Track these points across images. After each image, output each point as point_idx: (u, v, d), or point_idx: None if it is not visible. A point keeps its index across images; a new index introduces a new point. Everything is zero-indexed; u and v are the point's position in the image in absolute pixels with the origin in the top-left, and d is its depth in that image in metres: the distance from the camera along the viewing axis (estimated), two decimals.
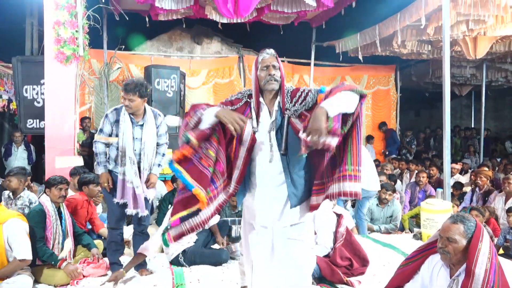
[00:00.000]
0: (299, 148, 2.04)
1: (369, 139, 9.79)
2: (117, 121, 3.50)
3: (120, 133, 3.47)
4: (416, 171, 7.29)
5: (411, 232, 5.46)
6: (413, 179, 7.26)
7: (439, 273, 2.25)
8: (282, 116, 2.24)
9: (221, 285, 3.47)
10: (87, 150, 6.76)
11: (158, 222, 5.24)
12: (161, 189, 6.73)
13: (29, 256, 3.32)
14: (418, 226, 5.40)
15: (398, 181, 7.38)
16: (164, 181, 6.88)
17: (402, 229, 5.67)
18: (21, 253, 3.28)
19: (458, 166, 7.89)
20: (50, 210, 3.66)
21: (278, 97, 2.28)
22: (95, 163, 3.62)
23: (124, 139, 3.46)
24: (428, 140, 11.82)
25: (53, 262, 3.52)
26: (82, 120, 6.99)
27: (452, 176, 7.46)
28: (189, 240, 4.09)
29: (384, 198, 5.49)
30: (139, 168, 3.51)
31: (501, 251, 4.57)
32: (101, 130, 3.53)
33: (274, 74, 2.24)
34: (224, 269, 3.91)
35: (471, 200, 6.29)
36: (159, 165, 3.66)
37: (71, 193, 4.42)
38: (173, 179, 6.12)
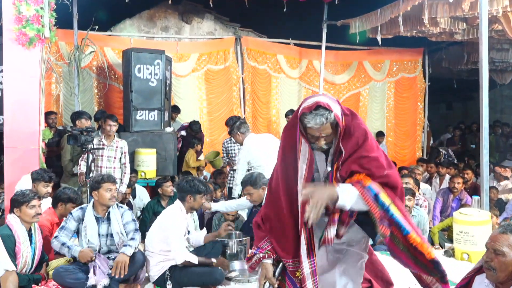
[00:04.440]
0: None
1: (379, 136, 9.60)
2: (79, 221, 4.06)
3: (83, 232, 4.03)
4: (449, 176, 7.31)
5: (442, 248, 5.48)
6: (444, 185, 7.27)
7: None
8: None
9: None
10: (54, 150, 6.77)
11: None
12: (144, 198, 6.75)
13: (13, 266, 3.43)
14: (450, 240, 5.42)
15: (428, 186, 7.40)
16: (146, 187, 6.90)
17: (431, 244, 5.69)
18: (6, 265, 3.35)
19: (508, 173, 7.82)
20: (20, 234, 3.69)
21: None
22: (65, 249, 3.93)
23: (90, 238, 4.01)
24: (464, 138, 11.80)
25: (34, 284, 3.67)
26: (48, 114, 7.00)
27: (499, 181, 7.49)
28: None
29: (405, 206, 5.49)
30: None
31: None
32: (63, 228, 4.02)
33: (325, 143, 2.39)
34: None
35: None
36: (129, 245, 3.98)
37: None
38: (157, 185, 6.14)
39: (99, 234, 4.05)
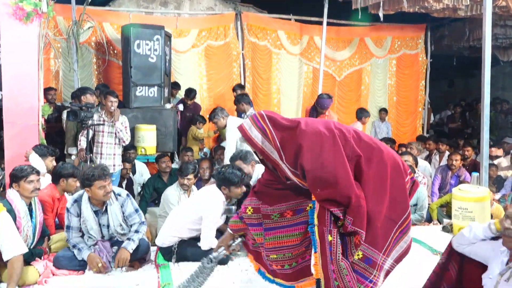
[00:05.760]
0: None
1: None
2: (79, 215, 3.92)
3: (83, 225, 3.92)
4: (448, 153, 7.33)
5: (440, 224, 5.53)
6: (444, 162, 7.30)
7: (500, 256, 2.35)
8: None
9: (216, 285, 3.51)
10: (54, 126, 6.78)
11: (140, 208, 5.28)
12: (144, 173, 6.79)
13: (24, 248, 3.44)
14: (449, 216, 5.46)
15: (427, 164, 7.42)
16: (147, 163, 6.93)
17: (429, 220, 5.74)
18: (17, 249, 3.36)
19: (499, 152, 7.87)
20: (20, 209, 3.70)
21: None
22: (75, 250, 3.90)
23: (90, 231, 3.91)
24: (464, 115, 11.79)
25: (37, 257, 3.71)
26: (47, 90, 6.98)
27: (492, 159, 7.50)
28: None
29: None
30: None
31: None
32: (69, 227, 3.93)
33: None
34: (219, 268, 3.95)
35: None
36: (132, 240, 3.91)
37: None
38: (157, 160, 6.16)
39: (100, 224, 3.94)
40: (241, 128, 2.71)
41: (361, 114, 7.82)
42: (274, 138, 2.63)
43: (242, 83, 8.92)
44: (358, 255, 2.62)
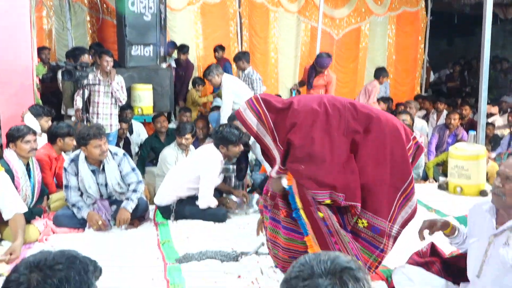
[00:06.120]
0: None
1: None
2: (76, 175, 3.88)
3: (81, 184, 3.90)
4: (446, 112, 7.31)
5: (436, 182, 5.58)
6: (441, 121, 7.30)
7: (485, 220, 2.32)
8: None
9: (214, 244, 3.54)
10: (49, 86, 6.71)
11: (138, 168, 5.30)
12: (141, 133, 6.78)
13: (24, 207, 3.47)
14: (445, 175, 5.51)
15: (424, 122, 7.43)
16: (144, 123, 6.91)
17: (425, 178, 5.79)
18: (17, 208, 3.38)
19: (493, 110, 7.86)
20: (18, 169, 3.70)
21: None
22: (74, 209, 3.89)
23: (88, 190, 3.89)
24: (463, 74, 11.69)
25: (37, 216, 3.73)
26: (41, 50, 6.86)
27: (487, 117, 7.50)
28: None
29: None
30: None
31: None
32: (67, 187, 3.90)
33: None
34: (217, 226, 4.03)
35: (509, 145, 6.37)
36: (131, 200, 3.91)
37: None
38: (153, 120, 6.14)
39: (97, 184, 3.93)
40: (237, 112, 2.80)
41: (379, 73, 7.66)
42: (268, 120, 2.68)
43: (239, 42, 8.79)
44: (362, 223, 2.65)
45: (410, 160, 2.78)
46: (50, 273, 1.22)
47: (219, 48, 7.91)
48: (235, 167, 5.13)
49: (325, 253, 1.23)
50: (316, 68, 6.73)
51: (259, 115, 2.70)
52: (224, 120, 5.43)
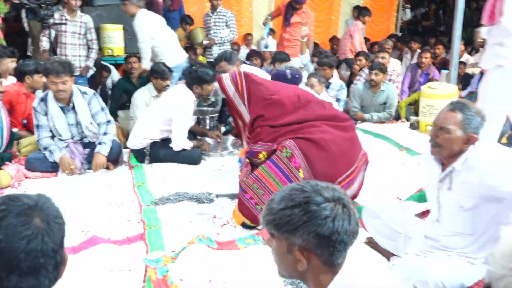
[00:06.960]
0: None
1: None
2: (46, 114, 3.80)
3: (51, 124, 3.82)
4: (419, 51, 7.30)
5: (408, 121, 5.66)
6: (415, 60, 7.30)
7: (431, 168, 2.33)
8: None
9: (189, 186, 3.56)
10: (13, 26, 6.39)
11: (111, 111, 5.20)
12: (114, 75, 6.61)
13: None
14: (416, 114, 5.58)
15: (398, 62, 7.42)
16: (115, 65, 6.71)
17: (397, 117, 5.86)
18: None
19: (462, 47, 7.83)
20: None
21: None
22: (46, 152, 3.81)
23: (59, 130, 3.82)
24: (438, 12, 11.61)
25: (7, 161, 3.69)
26: None
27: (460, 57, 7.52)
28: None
29: (371, 80, 5.55)
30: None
31: (504, 140, 4.82)
32: (38, 126, 3.83)
33: None
34: (191, 168, 4.02)
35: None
36: (104, 143, 3.90)
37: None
38: (126, 60, 5.96)
39: (68, 124, 3.86)
40: (218, 79, 3.30)
41: (361, 12, 7.48)
42: (243, 89, 3.17)
43: None
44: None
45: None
46: None
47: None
48: (210, 109, 5.10)
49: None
50: (292, 4, 6.52)
51: (237, 85, 3.19)
52: (147, 60, 5.23)
